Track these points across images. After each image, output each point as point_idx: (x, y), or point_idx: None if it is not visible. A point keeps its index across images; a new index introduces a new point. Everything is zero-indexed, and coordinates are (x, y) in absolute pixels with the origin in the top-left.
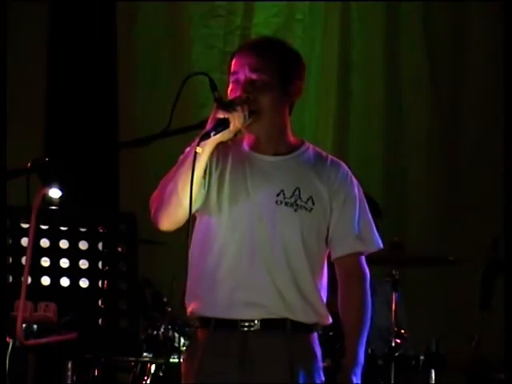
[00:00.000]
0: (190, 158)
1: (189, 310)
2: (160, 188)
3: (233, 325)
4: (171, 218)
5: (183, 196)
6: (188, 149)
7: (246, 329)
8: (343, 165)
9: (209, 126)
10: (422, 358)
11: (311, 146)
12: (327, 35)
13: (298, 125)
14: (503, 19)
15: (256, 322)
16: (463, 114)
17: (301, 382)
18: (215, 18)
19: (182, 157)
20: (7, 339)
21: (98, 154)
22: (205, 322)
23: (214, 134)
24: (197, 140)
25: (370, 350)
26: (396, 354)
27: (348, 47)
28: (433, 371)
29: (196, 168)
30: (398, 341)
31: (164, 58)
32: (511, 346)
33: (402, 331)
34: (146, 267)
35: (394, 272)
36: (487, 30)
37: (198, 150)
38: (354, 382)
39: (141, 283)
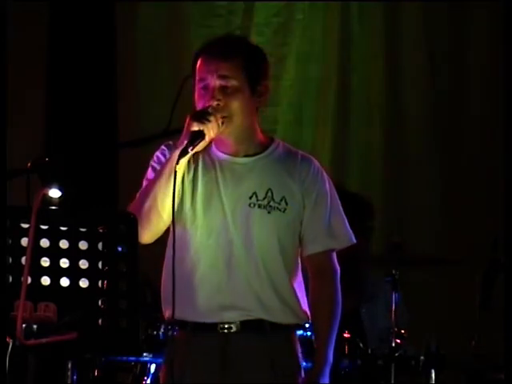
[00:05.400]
0: (167, 172)
1: (166, 314)
2: (137, 202)
3: (212, 328)
4: (152, 232)
5: (163, 210)
6: (156, 157)
7: (225, 331)
8: (314, 161)
9: (183, 138)
10: (422, 358)
11: (281, 143)
12: (327, 35)
13: (297, 125)
14: (503, 19)
15: (235, 323)
16: (463, 113)
17: (282, 381)
18: (215, 18)
19: (152, 166)
20: (7, 339)
21: (98, 153)
22: (183, 325)
23: (192, 149)
24: (175, 157)
25: (370, 350)
26: (396, 354)
27: (348, 47)
28: (433, 371)
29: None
30: (398, 341)
31: (164, 58)
32: (511, 346)
33: (402, 331)
34: (146, 267)
35: (393, 272)
36: (487, 30)
37: (177, 168)
38: (322, 382)
39: (141, 283)
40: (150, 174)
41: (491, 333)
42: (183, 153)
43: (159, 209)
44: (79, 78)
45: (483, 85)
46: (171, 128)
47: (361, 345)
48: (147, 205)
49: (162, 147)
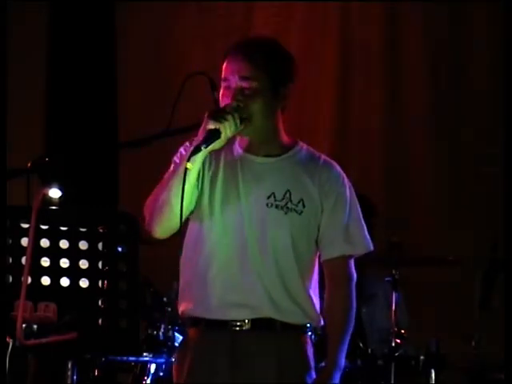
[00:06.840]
0: (182, 170)
1: (180, 310)
2: (153, 196)
3: (223, 325)
4: (165, 227)
5: (176, 206)
6: (180, 152)
7: (237, 328)
8: (336, 166)
9: (200, 136)
10: (422, 358)
11: (305, 147)
12: (326, 35)
13: (297, 125)
14: (503, 19)
15: (246, 321)
16: (463, 114)
17: (288, 381)
18: (215, 18)
19: (174, 161)
20: (7, 339)
21: (98, 153)
22: (195, 321)
23: (206, 147)
24: (188, 153)
25: (370, 350)
26: (396, 354)
27: (348, 47)
28: (433, 371)
29: (187, 182)
30: (398, 341)
31: (164, 58)
32: (511, 346)
33: (402, 331)
34: (146, 267)
35: (393, 272)
36: (487, 30)
37: (189, 166)
38: None
39: (141, 283)
40: (171, 168)
41: (491, 333)
42: (196, 150)
43: (172, 204)
44: (79, 78)
45: (483, 85)
46: (171, 128)
47: (361, 345)
48: (161, 199)
49: (186, 143)
